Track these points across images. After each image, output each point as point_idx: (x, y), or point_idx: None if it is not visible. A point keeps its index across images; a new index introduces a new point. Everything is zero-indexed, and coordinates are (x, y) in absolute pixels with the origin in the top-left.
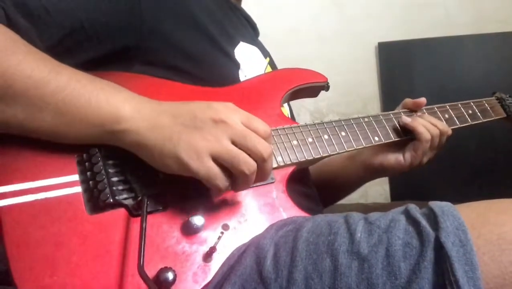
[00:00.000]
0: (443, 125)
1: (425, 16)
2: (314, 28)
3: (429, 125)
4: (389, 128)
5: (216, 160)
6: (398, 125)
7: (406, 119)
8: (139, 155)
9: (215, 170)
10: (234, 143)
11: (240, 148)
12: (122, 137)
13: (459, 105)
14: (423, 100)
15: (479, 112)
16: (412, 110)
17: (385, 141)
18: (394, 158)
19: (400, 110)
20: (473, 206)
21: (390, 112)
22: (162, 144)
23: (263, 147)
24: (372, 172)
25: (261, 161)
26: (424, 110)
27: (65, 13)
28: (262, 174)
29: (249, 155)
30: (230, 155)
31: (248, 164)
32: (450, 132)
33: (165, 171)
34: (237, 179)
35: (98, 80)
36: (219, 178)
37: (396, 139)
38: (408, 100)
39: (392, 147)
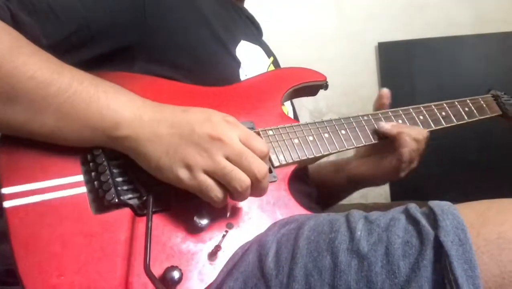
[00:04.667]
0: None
1: (425, 16)
2: (314, 28)
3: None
4: None
5: (210, 175)
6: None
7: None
8: (137, 161)
9: (206, 184)
10: (229, 160)
11: (235, 165)
12: (121, 142)
13: (456, 102)
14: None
15: (475, 109)
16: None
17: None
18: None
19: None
20: (473, 205)
21: (388, 110)
22: (159, 157)
23: (257, 167)
24: (356, 184)
25: (255, 181)
26: (422, 108)
27: (70, 11)
28: (257, 192)
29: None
30: (222, 172)
31: (241, 181)
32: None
33: (161, 180)
34: (231, 193)
35: (100, 83)
36: (212, 192)
37: None
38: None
39: (376, 159)
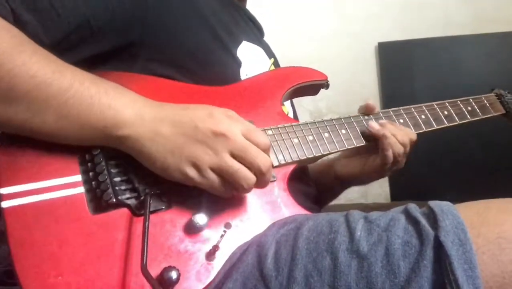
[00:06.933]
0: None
1: (425, 16)
2: (314, 28)
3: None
4: None
5: (217, 173)
6: (397, 123)
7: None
8: (140, 161)
9: (216, 181)
10: (233, 156)
11: (239, 161)
12: (123, 142)
13: (458, 102)
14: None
15: (478, 108)
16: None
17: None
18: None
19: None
20: (473, 205)
21: (390, 109)
22: (164, 157)
23: (261, 161)
24: (343, 183)
25: (259, 174)
26: (424, 107)
27: (71, 9)
28: (260, 184)
29: (248, 168)
30: (229, 170)
31: (247, 179)
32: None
33: (166, 178)
34: (237, 189)
35: (101, 82)
36: (221, 188)
37: None
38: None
39: (362, 159)
